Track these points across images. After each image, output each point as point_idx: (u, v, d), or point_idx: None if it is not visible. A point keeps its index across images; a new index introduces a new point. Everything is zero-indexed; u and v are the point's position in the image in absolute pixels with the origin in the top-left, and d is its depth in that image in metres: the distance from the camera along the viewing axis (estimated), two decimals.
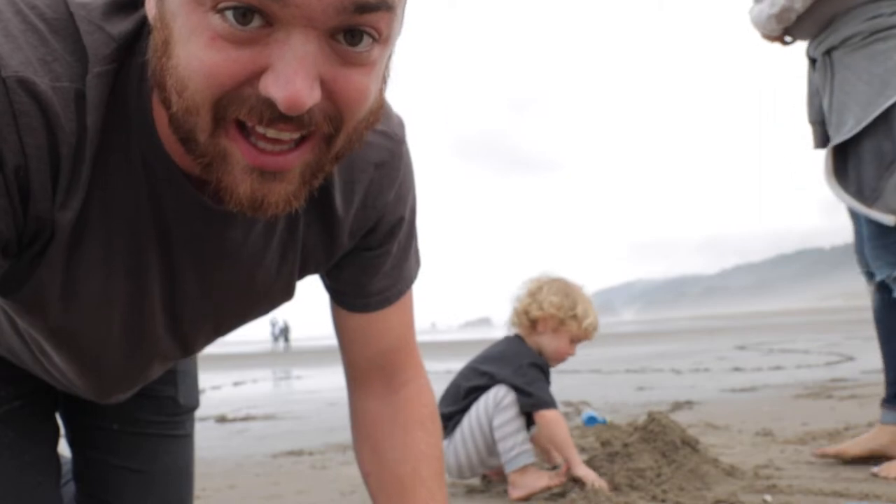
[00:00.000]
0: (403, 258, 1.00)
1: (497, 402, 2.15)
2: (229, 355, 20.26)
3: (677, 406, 4.15)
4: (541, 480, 2.09)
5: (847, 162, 1.98)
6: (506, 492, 2.18)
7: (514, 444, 2.11)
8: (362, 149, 0.89)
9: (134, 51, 0.73)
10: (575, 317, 2.24)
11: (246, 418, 4.90)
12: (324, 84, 0.63)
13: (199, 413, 1.39)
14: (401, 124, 0.94)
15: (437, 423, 1.06)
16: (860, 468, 2.16)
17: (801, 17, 2.07)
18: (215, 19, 0.60)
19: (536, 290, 2.29)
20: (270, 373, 11.63)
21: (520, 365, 2.19)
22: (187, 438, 1.30)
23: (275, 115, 0.62)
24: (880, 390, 4.27)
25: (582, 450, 2.53)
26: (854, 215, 2.17)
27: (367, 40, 0.63)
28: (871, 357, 6.86)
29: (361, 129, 0.70)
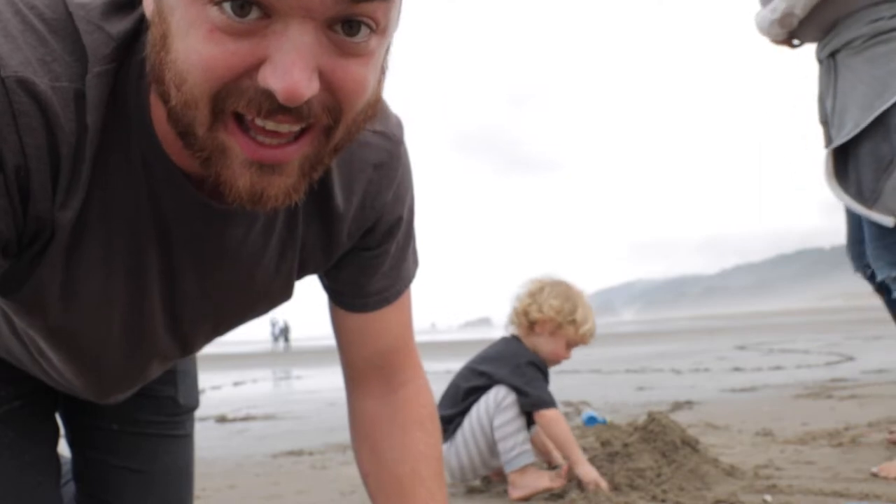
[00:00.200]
0: (402, 258, 1.00)
1: (497, 403, 2.15)
2: (229, 355, 20.26)
3: (677, 406, 4.15)
4: (541, 481, 2.09)
5: (847, 163, 2.00)
6: (506, 492, 2.18)
7: (514, 445, 2.11)
8: (361, 149, 0.89)
9: (133, 50, 0.73)
10: (573, 322, 2.23)
11: (246, 418, 4.90)
12: (322, 75, 0.63)
13: (199, 413, 1.39)
14: (399, 125, 0.95)
15: (436, 424, 1.06)
16: (860, 468, 2.16)
17: (805, 22, 2.10)
18: (213, 12, 0.60)
19: (537, 292, 2.29)
20: (270, 373, 11.63)
21: (517, 365, 2.19)
22: (187, 438, 1.30)
23: (273, 106, 0.62)
24: (880, 390, 4.28)
25: (582, 450, 2.54)
26: (849, 216, 2.21)
27: (364, 31, 0.63)
28: (871, 357, 6.87)
29: (360, 120, 0.70)
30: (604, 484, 2.01)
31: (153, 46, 0.66)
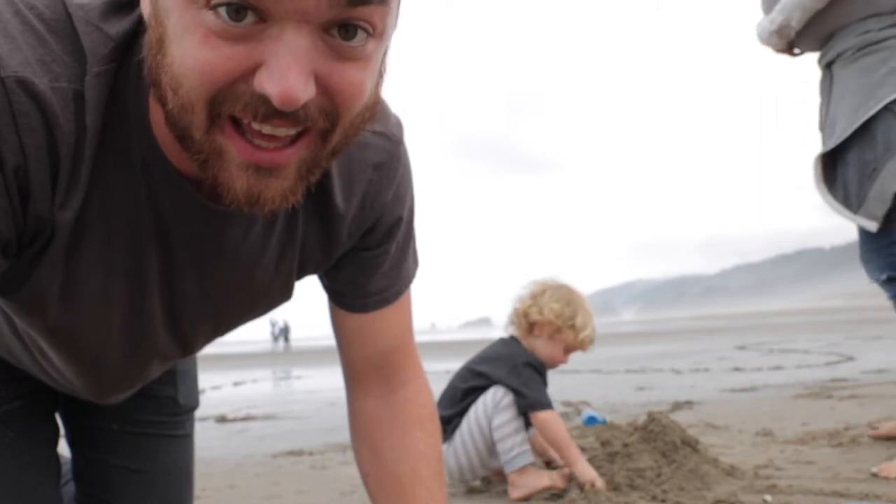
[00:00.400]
0: (402, 258, 1.00)
1: (496, 403, 2.15)
2: (229, 355, 20.26)
3: (677, 406, 4.15)
4: (541, 480, 2.09)
5: (836, 169, 2.09)
6: (506, 492, 2.18)
7: (513, 445, 2.11)
8: (361, 150, 0.89)
9: (132, 51, 0.73)
10: (573, 326, 2.23)
11: (246, 418, 4.90)
12: (318, 79, 0.63)
13: (199, 413, 1.39)
14: (399, 125, 0.94)
15: (436, 424, 1.06)
16: (860, 468, 2.16)
17: (802, 33, 2.19)
18: (208, 16, 0.60)
19: (539, 294, 2.28)
20: (270, 373, 11.63)
21: (514, 365, 2.19)
22: (187, 438, 1.31)
23: (270, 111, 0.62)
24: (880, 390, 4.28)
25: (582, 450, 2.53)
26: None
27: (361, 35, 0.63)
28: (871, 357, 6.87)
29: (357, 124, 0.70)
30: (600, 483, 2.02)
31: (150, 50, 0.66)
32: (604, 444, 2.28)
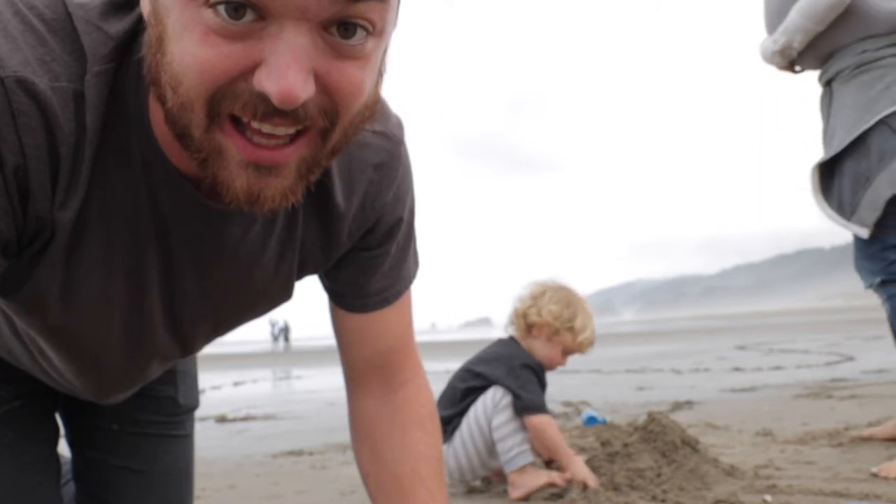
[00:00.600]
0: (402, 259, 1.00)
1: (495, 404, 2.15)
2: (229, 355, 20.26)
3: (677, 406, 4.15)
4: (540, 479, 2.09)
5: (832, 179, 2.25)
6: (506, 492, 2.18)
7: (512, 445, 2.12)
8: (361, 150, 0.88)
9: (132, 50, 0.73)
10: (571, 329, 2.23)
11: (246, 418, 4.90)
12: (318, 78, 0.63)
13: (199, 413, 1.39)
14: (399, 125, 0.94)
15: (436, 424, 1.06)
16: (860, 468, 2.16)
17: (804, 53, 2.36)
18: (208, 14, 0.60)
19: (539, 295, 2.28)
20: (270, 373, 11.63)
21: (512, 367, 2.19)
22: (187, 438, 1.30)
23: (269, 109, 0.62)
24: (880, 390, 4.28)
25: (582, 450, 2.53)
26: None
27: (360, 33, 0.63)
28: (871, 357, 6.86)
29: (357, 123, 0.69)
30: (592, 482, 2.02)
31: (149, 48, 0.66)
32: (604, 444, 2.28)
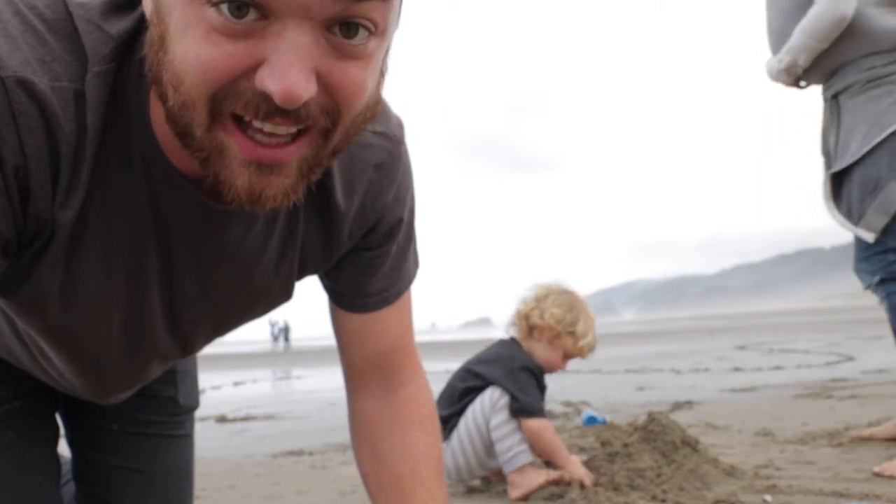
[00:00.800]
0: (402, 259, 1.00)
1: (493, 404, 2.15)
2: (229, 355, 20.26)
3: (677, 406, 4.15)
4: (539, 478, 2.09)
5: (842, 187, 2.36)
6: (505, 492, 2.18)
7: (511, 445, 2.11)
8: (362, 150, 0.89)
9: (133, 49, 0.73)
10: (573, 333, 2.23)
11: (246, 418, 4.90)
12: (320, 77, 0.63)
13: (199, 413, 1.39)
14: (400, 125, 0.94)
15: (436, 423, 1.06)
16: (860, 468, 2.16)
17: (809, 70, 2.45)
18: (210, 13, 0.60)
19: (543, 297, 2.28)
20: (270, 373, 11.64)
21: (511, 369, 2.19)
22: (187, 438, 1.30)
23: (271, 108, 0.62)
24: (880, 390, 4.28)
25: (582, 450, 2.54)
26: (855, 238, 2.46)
27: (363, 33, 0.63)
28: (871, 357, 6.86)
29: (359, 123, 0.69)
30: (588, 480, 2.03)
31: (151, 47, 0.66)
32: (604, 444, 2.28)
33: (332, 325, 1.03)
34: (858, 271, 2.37)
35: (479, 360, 2.31)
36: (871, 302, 2.43)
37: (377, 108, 0.72)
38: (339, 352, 1.04)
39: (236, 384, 8.81)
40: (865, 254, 2.31)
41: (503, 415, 2.13)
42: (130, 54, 0.73)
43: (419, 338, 1.08)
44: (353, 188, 0.89)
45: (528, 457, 2.13)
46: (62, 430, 1.21)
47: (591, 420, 3.03)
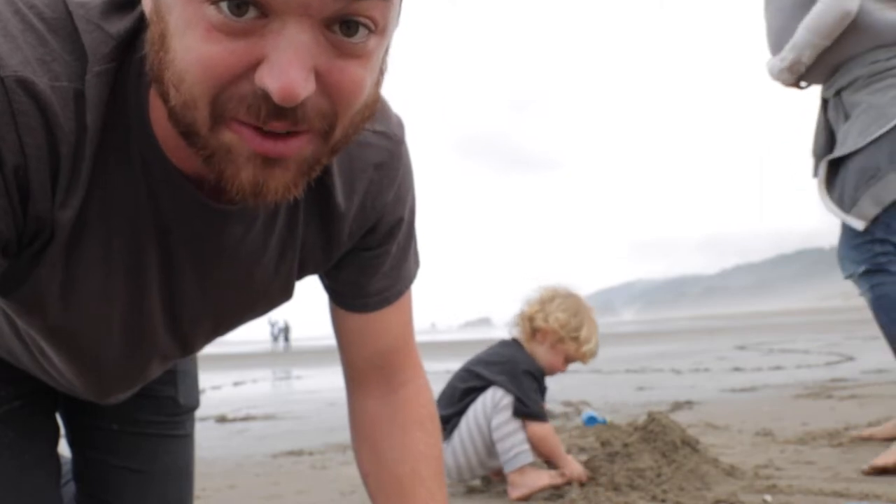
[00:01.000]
0: (402, 258, 1.00)
1: (495, 404, 2.15)
2: (229, 355, 20.27)
3: (677, 406, 4.15)
4: (541, 479, 2.10)
5: (837, 175, 2.35)
6: (506, 492, 2.18)
7: (512, 445, 2.11)
8: (362, 149, 0.89)
9: (133, 49, 0.73)
10: (576, 339, 2.24)
11: (246, 418, 4.90)
12: (318, 76, 0.63)
13: (199, 413, 1.39)
14: (400, 125, 0.94)
15: (437, 423, 1.06)
16: (860, 468, 2.16)
17: (811, 67, 2.43)
18: (210, 10, 0.60)
19: (548, 300, 2.28)
20: (270, 373, 11.64)
21: (514, 373, 2.19)
22: (187, 438, 1.30)
23: (270, 108, 0.62)
24: (880, 390, 4.28)
25: (582, 450, 2.54)
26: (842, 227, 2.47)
27: (362, 31, 0.63)
28: (871, 357, 6.86)
29: (357, 122, 0.69)
30: (583, 478, 2.06)
31: (152, 45, 0.66)
32: (604, 444, 2.28)
33: (332, 324, 1.03)
34: (842, 259, 2.37)
35: (480, 360, 2.31)
36: None
37: (376, 107, 0.72)
38: (340, 352, 1.04)
39: (236, 384, 8.81)
40: (853, 242, 2.30)
41: (505, 415, 2.13)
42: (130, 54, 0.73)
43: (419, 338, 1.09)
44: (353, 188, 0.89)
45: (528, 457, 2.13)
46: (62, 430, 1.21)
47: (591, 420, 3.04)
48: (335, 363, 1.11)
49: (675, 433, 2.18)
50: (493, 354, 2.31)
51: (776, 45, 2.51)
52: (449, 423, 2.23)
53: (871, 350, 7.89)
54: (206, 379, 8.96)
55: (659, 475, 2.04)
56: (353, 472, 2.64)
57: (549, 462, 2.25)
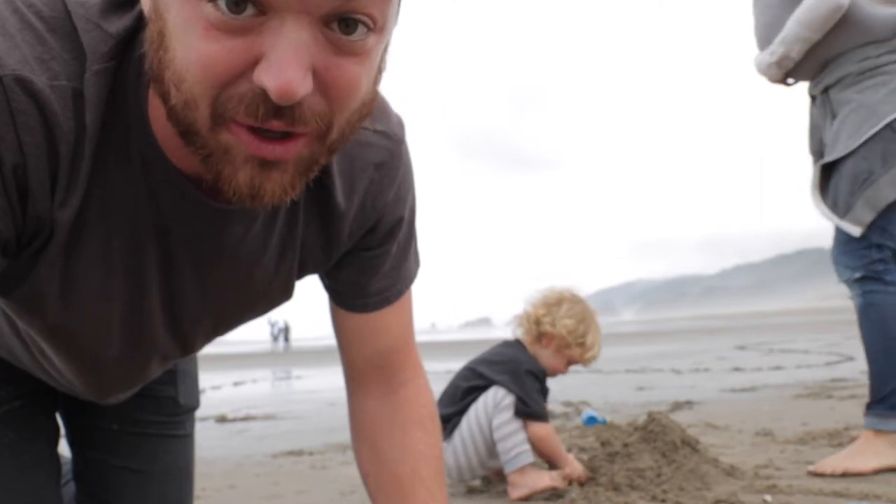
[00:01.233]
0: (403, 258, 1.00)
1: (496, 403, 2.15)
2: (229, 355, 20.27)
3: (677, 406, 4.15)
4: (541, 480, 2.09)
5: (830, 179, 2.31)
6: (506, 492, 2.18)
7: (513, 445, 2.11)
8: (362, 149, 0.88)
9: (132, 48, 0.72)
10: (582, 345, 2.25)
11: (246, 418, 4.90)
12: (316, 74, 0.62)
13: (199, 413, 1.39)
14: (400, 124, 0.94)
15: (437, 423, 1.06)
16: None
17: (800, 63, 2.38)
18: (208, 8, 0.60)
19: (555, 304, 2.28)
20: (270, 373, 11.64)
21: (517, 372, 2.19)
22: (187, 438, 1.30)
23: (269, 108, 0.62)
24: None
25: (582, 450, 2.53)
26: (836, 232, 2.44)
27: (361, 29, 0.63)
28: None
29: (354, 121, 0.69)
30: (583, 477, 2.06)
31: (151, 44, 0.66)
32: (604, 444, 2.28)
33: (332, 324, 1.03)
34: (838, 264, 2.33)
35: (483, 360, 2.31)
36: None
37: (374, 106, 0.72)
38: (340, 351, 1.04)
39: (236, 384, 8.81)
40: (848, 247, 2.27)
41: (506, 414, 2.13)
42: (129, 52, 0.72)
43: (419, 338, 1.09)
44: (353, 187, 0.89)
45: (529, 457, 2.13)
46: (62, 430, 1.21)
47: (591, 420, 3.03)
48: (335, 363, 1.11)
49: (675, 433, 2.18)
50: (496, 354, 2.32)
51: (765, 39, 2.45)
52: (450, 422, 2.23)
53: None
54: (206, 379, 8.96)
55: (659, 475, 2.04)
56: (353, 472, 2.64)
57: (550, 462, 2.25)
